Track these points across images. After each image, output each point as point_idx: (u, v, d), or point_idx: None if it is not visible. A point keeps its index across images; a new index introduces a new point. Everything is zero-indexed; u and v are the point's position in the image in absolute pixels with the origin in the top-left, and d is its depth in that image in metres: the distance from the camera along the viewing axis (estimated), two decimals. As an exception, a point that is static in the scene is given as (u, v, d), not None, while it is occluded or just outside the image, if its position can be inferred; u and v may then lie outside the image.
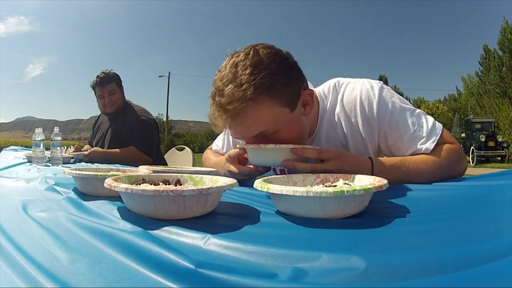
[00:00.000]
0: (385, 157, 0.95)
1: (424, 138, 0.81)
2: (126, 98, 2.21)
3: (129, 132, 2.05)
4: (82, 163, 1.75)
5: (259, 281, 0.27)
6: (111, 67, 2.22)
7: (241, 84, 0.68)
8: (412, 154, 0.83)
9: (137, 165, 1.90)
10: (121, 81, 2.18)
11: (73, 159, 1.84)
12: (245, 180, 0.85)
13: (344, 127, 0.89)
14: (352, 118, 0.88)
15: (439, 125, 0.84)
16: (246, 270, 0.30)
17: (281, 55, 0.74)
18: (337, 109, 0.89)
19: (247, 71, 0.68)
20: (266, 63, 0.70)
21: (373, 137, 0.87)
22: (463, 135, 12.81)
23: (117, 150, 1.99)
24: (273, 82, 0.70)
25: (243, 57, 0.70)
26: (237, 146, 0.82)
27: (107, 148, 2.10)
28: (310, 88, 0.83)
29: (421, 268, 0.29)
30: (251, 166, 0.80)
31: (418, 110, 0.86)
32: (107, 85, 2.11)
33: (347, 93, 0.89)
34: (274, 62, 0.71)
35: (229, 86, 0.68)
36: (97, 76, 2.11)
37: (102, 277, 0.30)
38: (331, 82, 0.94)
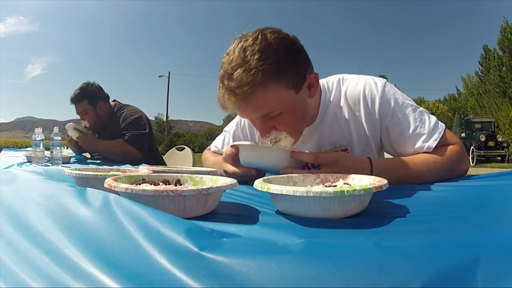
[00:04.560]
0: (385, 157, 0.95)
1: (426, 135, 0.81)
2: (126, 99, 2.17)
3: (120, 131, 1.96)
4: (81, 162, 1.75)
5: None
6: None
7: (250, 69, 0.70)
8: (414, 152, 0.82)
9: (125, 159, 1.87)
10: (99, 96, 2.00)
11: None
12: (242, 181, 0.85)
13: (348, 120, 0.90)
14: (356, 112, 0.89)
15: (441, 125, 0.84)
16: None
17: (288, 40, 0.76)
18: (341, 103, 0.91)
19: (256, 57, 0.70)
20: (274, 48, 0.72)
21: (376, 132, 0.89)
22: (463, 135, 12.78)
23: (106, 141, 1.92)
24: (281, 67, 0.72)
25: (251, 42, 0.72)
26: (232, 144, 0.83)
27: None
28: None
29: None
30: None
31: (420, 108, 0.86)
32: (77, 104, 1.96)
33: (350, 88, 0.91)
34: (282, 47, 0.73)
35: (238, 71, 0.70)
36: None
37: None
38: (335, 77, 0.95)
